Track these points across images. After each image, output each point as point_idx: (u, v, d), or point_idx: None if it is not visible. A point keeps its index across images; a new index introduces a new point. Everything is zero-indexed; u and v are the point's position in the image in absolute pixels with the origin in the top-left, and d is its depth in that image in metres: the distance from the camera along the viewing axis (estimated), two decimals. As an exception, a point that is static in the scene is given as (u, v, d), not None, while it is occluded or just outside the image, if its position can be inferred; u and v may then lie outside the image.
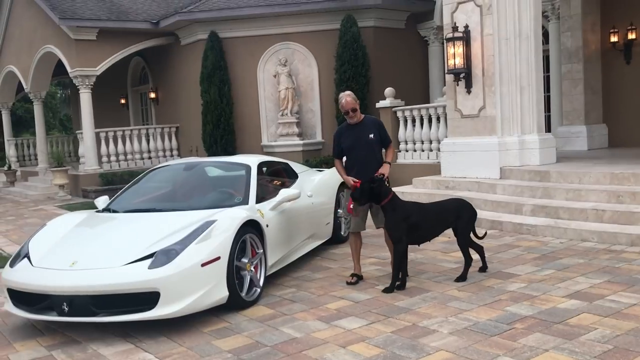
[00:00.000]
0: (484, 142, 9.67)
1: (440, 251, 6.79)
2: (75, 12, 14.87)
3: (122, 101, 19.16)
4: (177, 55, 16.15)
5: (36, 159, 21.94)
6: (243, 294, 5.07)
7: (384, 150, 5.86)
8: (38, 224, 11.29)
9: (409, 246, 5.54)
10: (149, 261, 4.56)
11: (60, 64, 16.42)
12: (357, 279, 5.76)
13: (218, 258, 4.77)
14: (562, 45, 12.15)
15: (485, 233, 6.06)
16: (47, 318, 4.68)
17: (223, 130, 14.53)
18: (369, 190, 5.31)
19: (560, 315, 4.48)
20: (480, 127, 9.75)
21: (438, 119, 11.50)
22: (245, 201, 5.68)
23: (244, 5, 14.52)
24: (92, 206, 12.79)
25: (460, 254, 6.47)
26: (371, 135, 5.60)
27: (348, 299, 5.27)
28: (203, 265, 4.65)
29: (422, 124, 11.83)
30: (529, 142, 9.51)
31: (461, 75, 9.86)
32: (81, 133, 15.59)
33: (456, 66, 9.80)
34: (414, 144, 11.96)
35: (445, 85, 14.29)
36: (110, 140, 15.66)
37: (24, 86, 18.59)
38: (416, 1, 14.73)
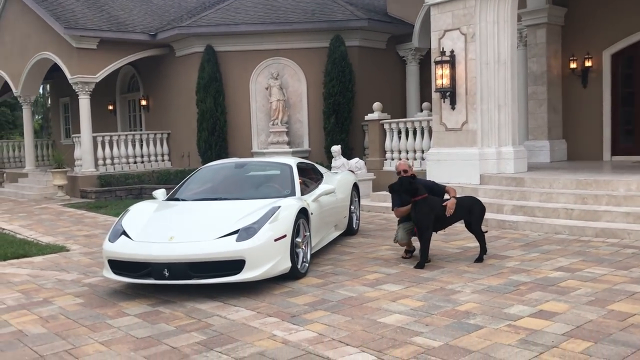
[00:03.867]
0: (466, 152, 11.11)
1: (441, 241, 8.12)
2: (78, 22, 15.71)
3: (110, 107, 19.93)
4: (171, 66, 17.14)
5: (19, 162, 22.46)
6: (299, 266, 6.26)
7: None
8: (51, 219, 12.18)
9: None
10: (235, 236, 5.71)
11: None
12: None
13: (285, 236, 5.96)
14: (528, 69, 13.82)
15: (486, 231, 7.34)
16: (148, 281, 5.76)
17: (217, 137, 15.61)
18: (407, 185, 6.58)
19: (552, 281, 5.85)
20: (463, 139, 11.20)
21: (422, 131, 12.95)
22: (293, 193, 6.90)
23: (240, 22, 15.69)
24: (92, 205, 13.73)
25: (458, 242, 7.92)
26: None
27: (380, 272, 6.53)
28: (275, 240, 5.83)
29: (407, 136, 13.26)
30: (505, 153, 11.00)
31: (447, 94, 11.30)
32: (78, 137, 16.34)
33: (443, 86, 11.24)
34: (399, 153, 13.37)
35: (420, 101, 15.91)
36: (107, 145, 16.49)
37: (14, 90, 19.17)
38: (397, 24, 16.23)
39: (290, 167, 7.36)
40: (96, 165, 16.24)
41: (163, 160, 17.47)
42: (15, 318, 5.41)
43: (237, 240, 5.67)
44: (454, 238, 8.27)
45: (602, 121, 13.40)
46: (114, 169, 16.49)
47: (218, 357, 4.24)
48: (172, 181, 15.48)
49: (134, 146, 16.98)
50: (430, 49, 15.38)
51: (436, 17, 11.47)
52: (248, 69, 15.93)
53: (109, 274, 6.02)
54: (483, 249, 6.94)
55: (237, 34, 15.75)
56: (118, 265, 5.93)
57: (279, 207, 6.13)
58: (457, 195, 7.09)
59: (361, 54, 15.84)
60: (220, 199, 6.84)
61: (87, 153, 15.99)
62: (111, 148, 16.58)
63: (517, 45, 13.78)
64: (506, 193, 10.04)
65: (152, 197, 7.49)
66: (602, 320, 4.64)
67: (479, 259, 6.84)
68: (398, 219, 7.25)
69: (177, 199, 7.06)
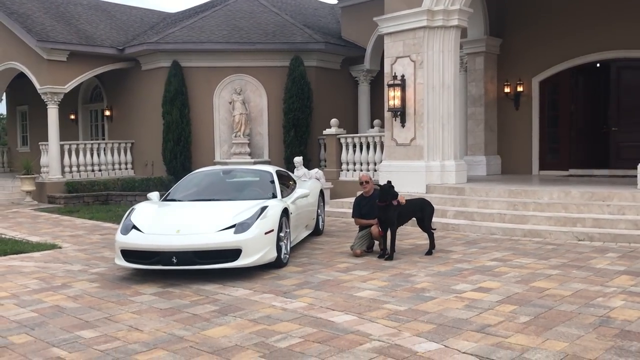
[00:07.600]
0: (414, 165, 12.58)
1: (397, 240, 9.45)
2: (49, 35, 16.43)
3: (72, 117, 20.53)
4: (137, 79, 18.02)
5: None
6: (282, 257, 7.46)
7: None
8: (29, 222, 12.89)
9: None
10: (233, 229, 6.87)
11: None
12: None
13: (272, 230, 7.15)
14: (468, 92, 15.50)
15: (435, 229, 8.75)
16: (159, 267, 6.82)
17: (182, 147, 16.61)
18: (387, 189, 7.86)
19: (488, 268, 7.28)
20: (411, 153, 12.68)
21: (375, 145, 14.37)
22: (275, 196, 8.11)
23: (206, 40, 16.78)
24: (64, 210, 14.46)
25: (410, 241, 9.27)
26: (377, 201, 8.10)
27: (349, 262, 7.81)
28: (265, 233, 7.02)
29: (361, 149, 14.67)
30: (448, 166, 12.53)
31: (398, 113, 12.77)
32: (45, 144, 16.98)
33: (395, 106, 12.71)
34: (354, 165, 14.75)
35: (371, 118, 17.39)
36: (73, 152, 17.18)
37: (-24, 98, 19.57)
38: (350, 48, 17.70)
39: (271, 174, 8.60)
40: (63, 172, 16.90)
41: (127, 169, 18.26)
42: (47, 297, 6.38)
43: (235, 232, 6.83)
44: (406, 237, 9.64)
45: (531, 140, 15.21)
46: (80, 176, 17.19)
47: (234, 319, 5.39)
48: (137, 188, 16.34)
49: (98, 154, 17.72)
50: (379, 70, 16.98)
51: (389, 45, 12.94)
52: (212, 84, 17.02)
53: (121, 261, 7.05)
54: (432, 245, 8.32)
55: (202, 51, 16.82)
56: (130, 254, 6.97)
57: (267, 206, 7.32)
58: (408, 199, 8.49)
59: (318, 74, 17.21)
60: (214, 199, 7.98)
61: (54, 160, 16.64)
62: (77, 156, 17.28)
63: (459, 71, 15.52)
64: (449, 201, 11.54)
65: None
66: (525, 292, 6.06)
67: (429, 253, 8.22)
68: (358, 226, 8.57)
69: (174, 200, 8.15)
